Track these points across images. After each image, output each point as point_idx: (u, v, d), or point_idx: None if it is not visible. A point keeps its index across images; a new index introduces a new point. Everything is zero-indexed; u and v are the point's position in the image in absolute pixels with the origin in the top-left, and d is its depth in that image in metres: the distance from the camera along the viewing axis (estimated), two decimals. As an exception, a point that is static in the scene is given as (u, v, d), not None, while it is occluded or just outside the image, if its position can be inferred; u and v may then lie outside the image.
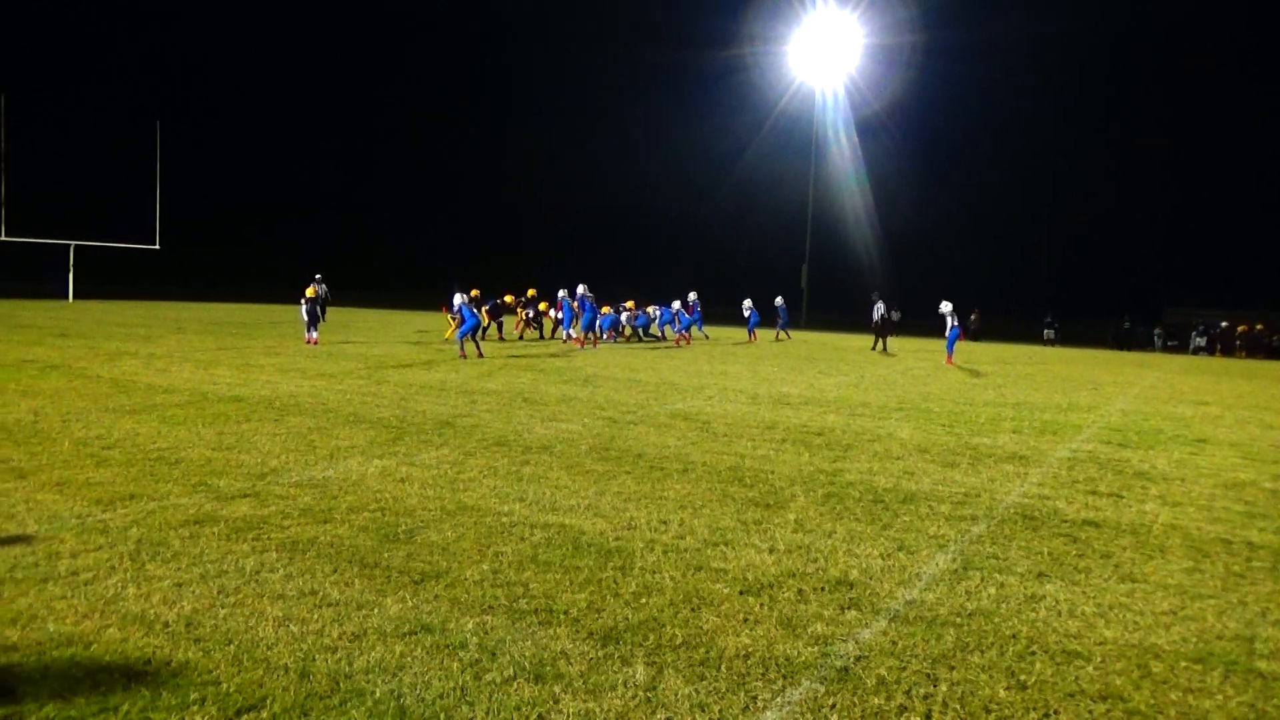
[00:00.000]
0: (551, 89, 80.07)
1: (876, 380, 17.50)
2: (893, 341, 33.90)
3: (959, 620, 4.54)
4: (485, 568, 5.06)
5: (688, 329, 28.99)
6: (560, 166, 75.32)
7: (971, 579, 5.18)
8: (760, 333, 34.12)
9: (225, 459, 7.69)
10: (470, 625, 4.23)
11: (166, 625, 4.09)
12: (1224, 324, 38.84)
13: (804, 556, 5.49)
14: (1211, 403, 15.52)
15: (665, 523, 6.13)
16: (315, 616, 4.24)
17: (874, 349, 29.07)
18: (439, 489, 6.85)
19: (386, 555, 5.21)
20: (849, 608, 4.67)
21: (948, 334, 23.12)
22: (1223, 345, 37.96)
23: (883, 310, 29.35)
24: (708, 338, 32.26)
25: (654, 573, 5.09)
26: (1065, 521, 6.55)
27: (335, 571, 4.90)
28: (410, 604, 4.44)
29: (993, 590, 5.01)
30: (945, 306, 23.22)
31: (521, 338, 27.75)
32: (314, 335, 21.83)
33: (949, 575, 5.23)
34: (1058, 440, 10.43)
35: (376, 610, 4.35)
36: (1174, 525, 6.57)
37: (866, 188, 63.00)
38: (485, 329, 25.64)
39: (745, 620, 4.44)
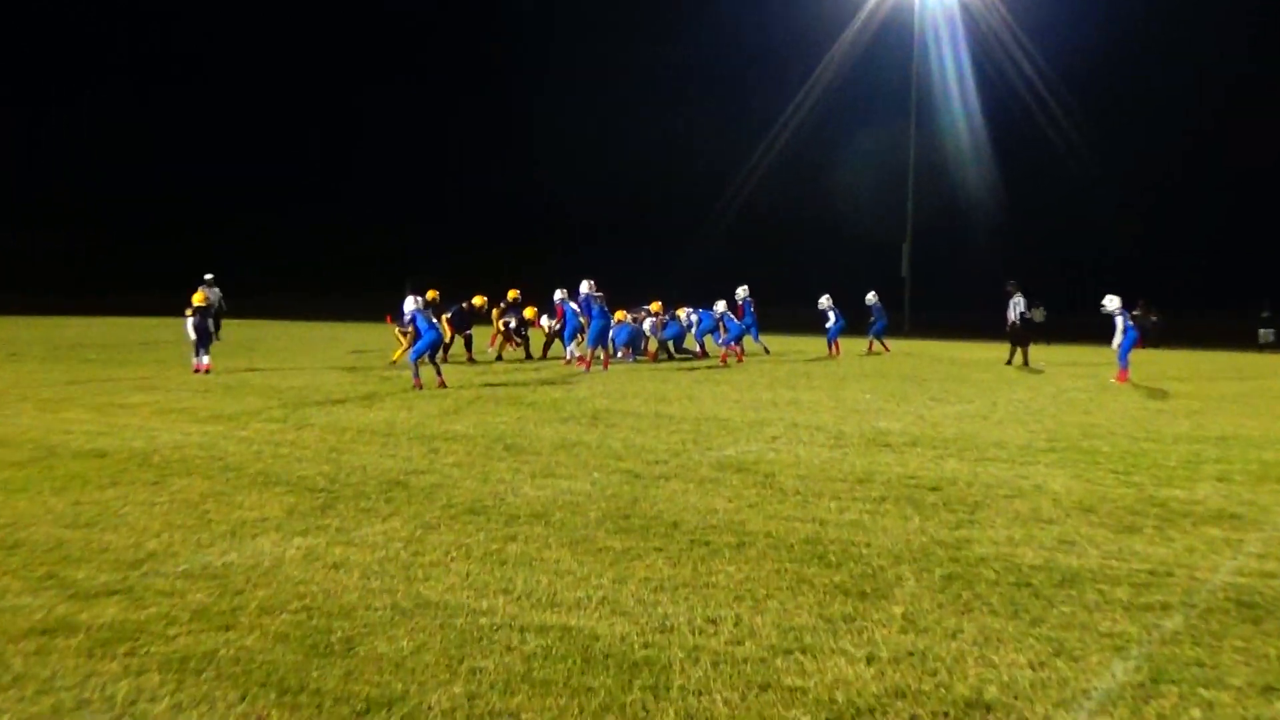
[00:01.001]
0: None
1: (1016, 408, 17.44)
2: (1037, 351, 33.80)
3: (1148, 757, 4.51)
4: (458, 691, 5.08)
5: (738, 340, 29.11)
6: (552, 118, 76.14)
7: (1166, 697, 5.14)
8: (844, 343, 34.09)
9: (84, 540, 7.77)
10: (438, 775, 4.24)
11: (5, 781, 4.13)
12: None
13: (918, 667, 5.47)
14: None
15: (714, 622, 6.13)
16: (216, 765, 4.27)
17: (1010, 362, 29.04)
18: (388, 579, 6.89)
19: (317, 675, 5.24)
20: (986, 741, 4.64)
21: (1119, 340, 23.00)
22: None
23: (1022, 308, 29.36)
24: (768, 351, 32.34)
25: (700, 694, 5.09)
26: (1300, 609, 6.49)
27: (244, 699, 4.93)
28: (352, 745, 4.46)
29: (1197, 714, 4.97)
30: (1111, 302, 23.13)
31: (500, 357, 27.97)
32: (205, 360, 22.11)
33: (1132, 691, 5.19)
34: (1284, 491, 10.35)
35: (303, 755, 4.37)
36: None
37: (985, 137, 63.12)
38: (449, 346, 25.83)
39: (835, 762, 4.42)
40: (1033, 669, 5.47)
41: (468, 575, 7.00)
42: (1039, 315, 46.25)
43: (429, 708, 4.89)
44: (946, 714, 4.91)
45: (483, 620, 6.10)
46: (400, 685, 5.14)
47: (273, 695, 4.99)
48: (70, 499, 9.23)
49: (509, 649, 5.66)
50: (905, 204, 57.10)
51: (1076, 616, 6.30)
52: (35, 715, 4.74)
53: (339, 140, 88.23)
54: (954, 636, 5.93)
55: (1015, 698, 5.10)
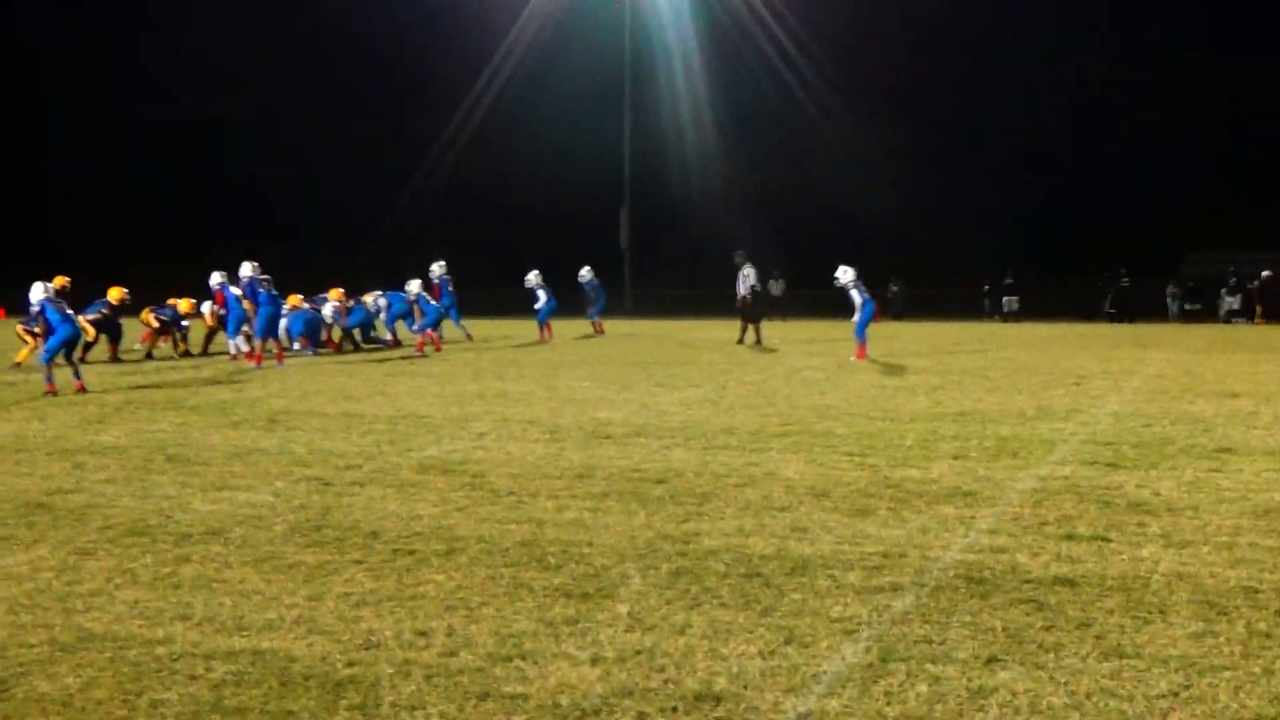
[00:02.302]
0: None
1: (747, 391, 18.47)
2: (772, 328, 35.45)
3: (876, 734, 5.17)
4: (138, 726, 5.26)
5: (435, 325, 29.30)
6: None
7: (894, 675, 5.83)
8: (556, 325, 34.82)
9: None
10: (125, 813, 4.46)
11: None
12: (1266, 273, 42.77)
13: (645, 665, 5.99)
14: (1244, 394, 17.38)
15: (425, 634, 6.49)
16: None
17: (741, 341, 30.33)
18: (41, 612, 6.93)
19: (-33, 722, 5.31)
20: (716, 732, 5.19)
21: (857, 315, 24.54)
22: (1265, 305, 41.80)
23: (753, 281, 30.64)
24: (471, 338, 32.74)
25: (414, 709, 5.45)
26: (1028, 582, 7.38)
27: (-118, 755, 4.97)
28: (20, 792, 4.61)
29: (924, 688, 5.67)
30: (845, 274, 24.62)
31: (151, 355, 27.27)
32: None
33: (861, 672, 5.86)
34: (1020, 465, 11.52)
35: (-36, 806, 4.50)
36: (1180, 574, 7.54)
37: (709, 89, 65.14)
38: (90, 344, 25.06)
39: (561, 764, 4.88)
40: (763, 658, 6.08)
41: (136, 603, 7.11)
42: (778, 289, 48.41)
43: (106, 746, 5.06)
44: (675, 709, 5.44)
45: (160, 650, 6.26)
46: (69, 725, 5.28)
47: (-83, 747, 5.06)
48: None
49: (193, 678, 5.85)
50: (621, 165, 58.36)
51: (807, 603, 6.99)
52: None
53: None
54: (682, 632, 6.49)
55: (745, 687, 5.69)
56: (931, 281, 53.33)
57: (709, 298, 50.58)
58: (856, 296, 24.33)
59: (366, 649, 6.26)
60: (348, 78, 77.28)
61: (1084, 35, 66.72)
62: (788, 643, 6.31)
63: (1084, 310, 46.72)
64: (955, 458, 11.97)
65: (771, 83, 65.18)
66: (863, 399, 17.23)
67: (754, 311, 30.82)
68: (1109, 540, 8.41)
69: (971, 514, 9.34)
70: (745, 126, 67.30)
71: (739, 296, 30.68)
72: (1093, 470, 11.18)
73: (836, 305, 27.19)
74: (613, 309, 42.63)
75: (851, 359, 24.27)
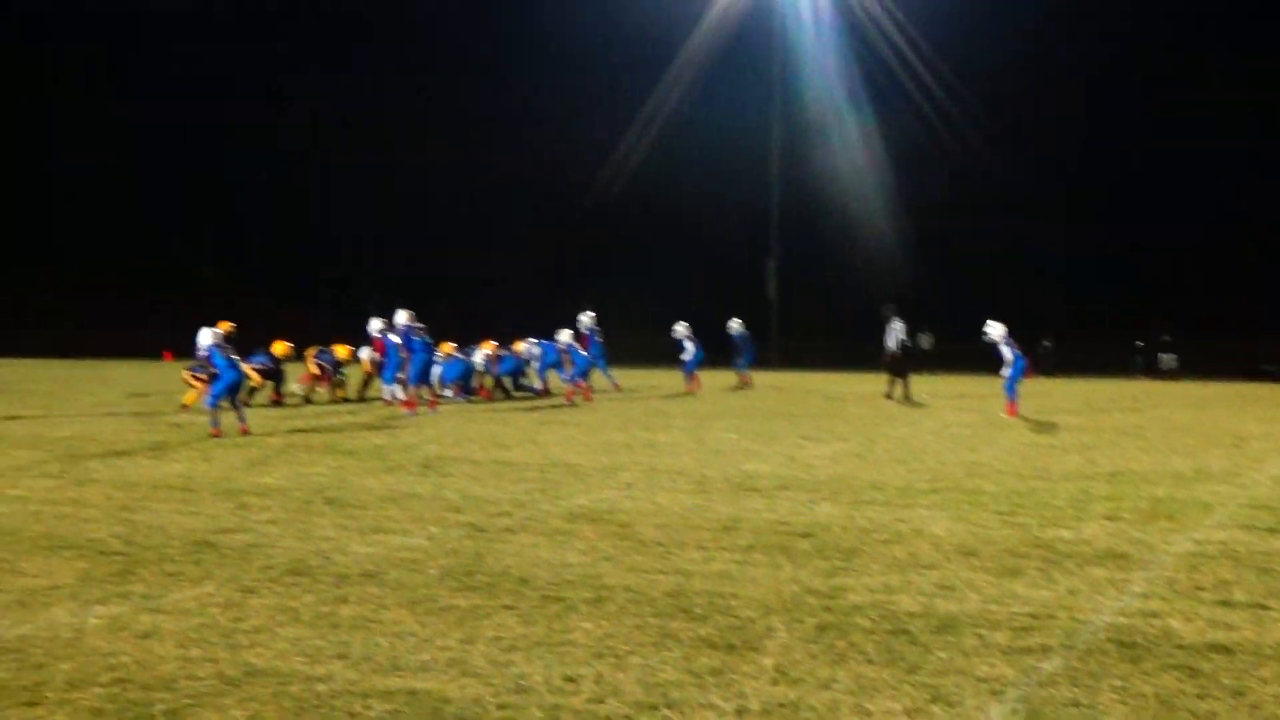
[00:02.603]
0: None
1: (895, 446, 18.37)
2: (921, 383, 35.16)
3: (1021, 795, 5.16)
4: (300, 760, 5.47)
5: (585, 375, 29.65)
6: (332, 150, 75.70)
7: (1040, 737, 5.81)
8: (705, 376, 34.96)
9: None
10: (289, 843, 4.65)
11: None
12: None
13: (790, 718, 6.04)
14: None
15: (573, 680, 6.61)
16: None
17: (890, 395, 30.16)
18: (209, 647, 7.21)
19: (141, 750, 5.57)
20: (860, 786, 5.23)
21: (1007, 370, 24.27)
22: None
23: (901, 335, 30.48)
24: (619, 387, 32.98)
25: (563, 753, 5.57)
26: (1181, 648, 7.27)
27: (63, 778, 5.24)
28: (191, 818, 4.84)
29: (1071, 751, 5.64)
30: (994, 329, 24.38)
31: (309, 400, 28.03)
32: (-46, 408, 21.74)
33: (1007, 733, 5.85)
34: (1175, 528, 11.31)
35: (139, 830, 4.74)
36: (1339, 645, 7.36)
37: (871, 133, 64.91)
38: (255, 390, 25.88)
39: (706, 813, 4.96)
40: (908, 716, 6.09)
41: (297, 640, 7.36)
42: (926, 342, 48.04)
43: (270, 778, 5.28)
44: (820, 762, 5.50)
45: (320, 687, 6.48)
46: (236, 757, 5.52)
47: (95, 772, 5.32)
48: None
49: (352, 715, 6.06)
50: (770, 217, 58.46)
51: (954, 662, 6.98)
52: None
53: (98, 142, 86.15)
54: (827, 686, 6.53)
55: (890, 744, 5.72)
56: (1083, 337, 52.33)
57: (857, 351, 50.36)
58: (1007, 352, 24.08)
59: (517, 693, 6.41)
60: (496, 129, 78.53)
61: (1245, 83, 65.02)
62: (934, 701, 6.31)
63: (1245, 369, 45.48)
64: (1108, 519, 11.80)
65: (922, 132, 64.68)
66: (1013, 456, 17.05)
67: (902, 365, 30.63)
68: (1267, 608, 8.24)
69: (1124, 577, 9.21)
70: (897, 176, 66.81)
71: (887, 350, 30.55)
72: (1251, 535, 10.94)
73: (987, 361, 26.91)
74: (760, 361, 42.64)
75: (1002, 415, 23.99)
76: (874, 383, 34.58)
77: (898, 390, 30.25)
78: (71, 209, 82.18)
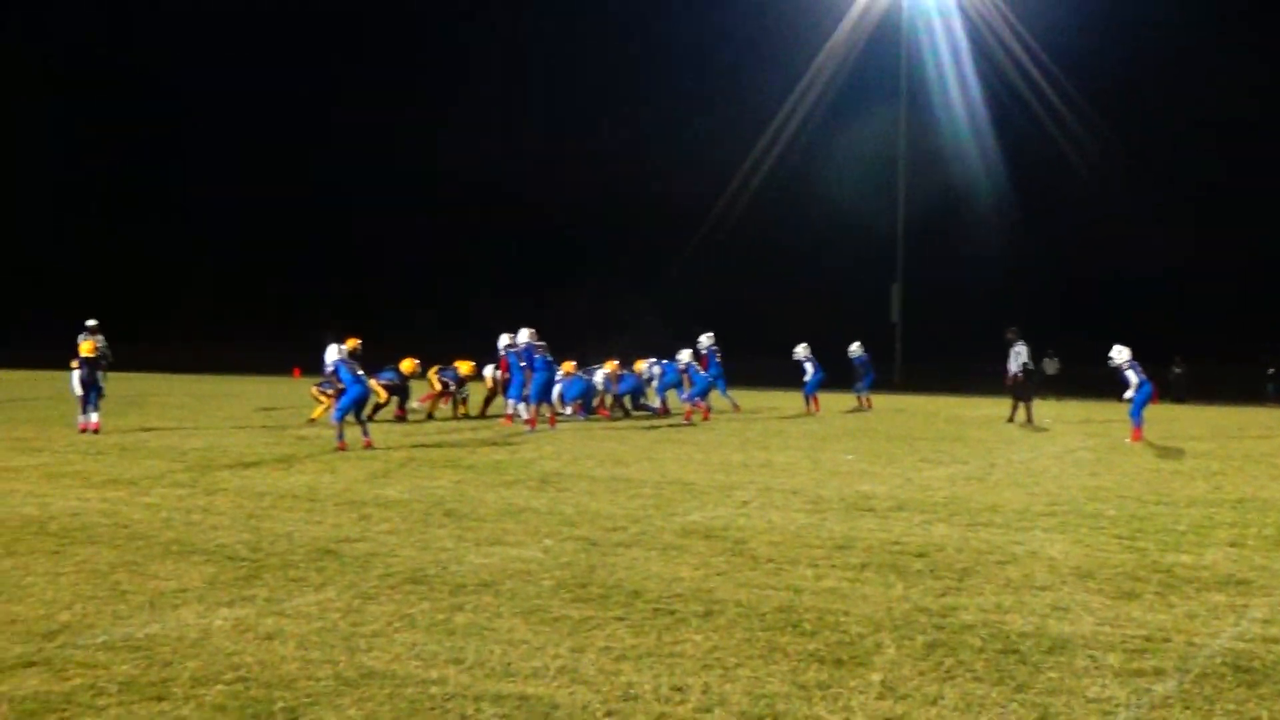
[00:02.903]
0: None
1: (1015, 470, 18.18)
2: (1044, 407, 34.68)
3: (1126, 814, 5.13)
4: (413, 758, 5.62)
5: (703, 394, 29.70)
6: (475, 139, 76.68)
7: (1149, 758, 5.77)
8: (824, 398, 34.83)
9: (-12, 611, 8.26)
10: (399, 835, 4.79)
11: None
12: None
13: (895, 732, 6.06)
14: None
15: (681, 690, 6.70)
16: (168, 829, 4.81)
17: (1012, 419, 29.81)
18: (328, 649, 7.42)
19: (261, 744, 5.77)
20: (962, 801, 5.24)
21: (1132, 394, 23.86)
22: None
23: (1024, 358, 30.09)
24: (738, 408, 32.98)
25: (668, 760, 5.66)
26: (1299, 674, 7.15)
27: (187, 768, 5.46)
28: (306, 810, 5.01)
29: (1180, 773, 5.59)
30: (1120, 353, 24.02)
31: (432, 416, 28.46)
32: (93, 418, 22.52)
33: (1115, 753, 5.81)
34: (1298, 555, 11.07)
35: (257, 819, 4.92)
36: None
37: (997, 154, 64.20)
38: (380, 405, 26.38)
39: (807, 821, 5.01)
40: (1015, 733, 6.09)
41: (414, 645, 7.54)
42: (1052, 367, 47.36)
43: (383, 774, 5.44)
44: (923, 776, 5.52)
45: (434, 690, 6.65)
46: (351, 753, 5.69)
47: (217, 764, 5.53)
48: (-36, 570, 9.71)
49: (464, 718, 6.21)
50: (897, 239, 58.16)
51: (1064, 682, 6.93)
52: (-32, 785, 5.25)
53: (227, 172, 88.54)
54: (934, 703, 6.54)
55: (995, 760, 5.72)
56: (1214, 363, 51.12)
57: (980, 375, 49.81)
58: (1133, 376, 23.67)
59: (625, 700, 6.52)
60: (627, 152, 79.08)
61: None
62: (1041, 720, 6.30)
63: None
64: (1231, 545, 11.58)
65: (1051, 154, 63.77)
66: (1136, 481, 16.77)
67: (1025, 389, 30.23)
68: (1391, 637, 8.06)
69: (1244, 602, 9.05)
70: (1023, 202, 65.97)
71: (1010, 374, 30.18)
72: (1379, 564, 10.68)
73: (1113, 386, 26.49)
74: (882, 384, 42.35)
75: (1127, 441, 23.59)
76: (996, 407, 34.20)
77: (1020, 414, 29.87)
78: (209, 229, 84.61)
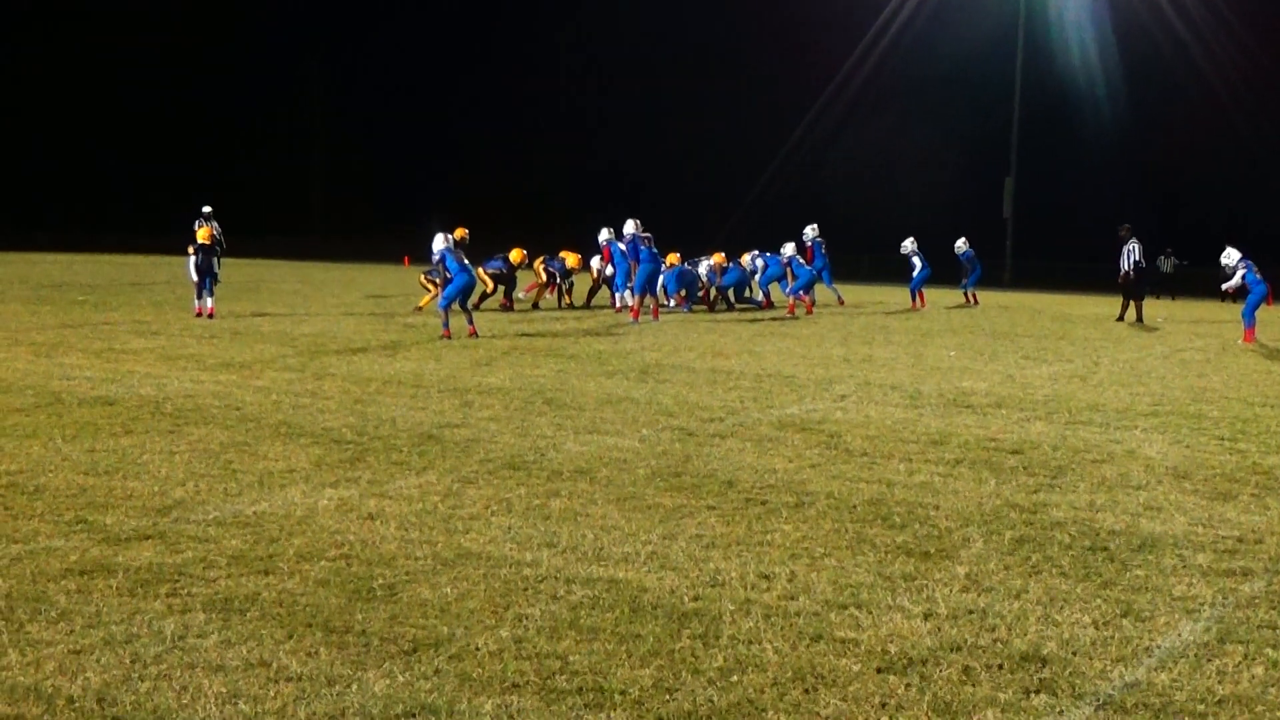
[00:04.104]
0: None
1: (1120, 369, 18.03)
2: (1155, 306, 34.15)
3: (1201, 709, 5.18)
4: (504, 635, 5.83)
5: (808, 288, 29.66)
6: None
7: (1229, 655, 5.80)
8: (929, 294, 34.61)
9: (107, 487, 8.62)
10: (489, 707, 4.99)
11: (72, 701, 4.93)
12: None
13: (976, 624, 6.16)
14: None
15: (768, 578, 6.85)
16: (272, 693, 5.05)
17: (1121, 318, 29.45)
18: (428, 530, 7.67)
19: (361, 617, 6.01)
20: (1038, 691, 5.33)
21: (1235, 284, 23.50)
22: None
23: (1136, 256, 29.60)
24: (842, 302, 33.00)
25: (750, 643, 5.81)
26: (1393, 578, 7.11)
27: (291, 638, 5.71)
28: (402, 679, 5.23)
29: (1259, 670, 5.62)
30: (1231, 256, 23.60)
31: (537, 305, 28.76)
32: (208, 303, 23.07)
33: (1195, 650, 5.86)
34: (1404, 460, 10.91)
35: (355, 686, 5.15)
36: None
37: (1102, 49, 62.54)
38: (488, 294, 26.69)
39: (883, 706, 5.13)
40: (1096, 628, 6.14)
41: (509, 529, 7.77)
42: (1168, 266, 46.49)
43: (476, 649, 5.64)
44: (1001, 666, 5.60)
45: (527, 571, 6.86)
46: (445, 629, 5.90)
47: (319, 634, 5.76)
48: (84, 446, 10.08)
49: (555, 598, 6.41)
50: (1010, 127, 57.06)
51: (1150, 580, 6.97)
52: (86, 647, 5.54)
53: (342, 67, 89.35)
54: (1018, 596, 6.62)
55: (1074, 654, 5.78)
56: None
57: (1092, 272, 49.05)
58: (1246, 278, 23.24)
59: (712, 586, 6.67)
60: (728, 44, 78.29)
61: None
62: (1124, 615, 6.34)
63: None
64: (1334, 448, 11.45)
65: (1171, 47, 62.01)
66: (1243, 383, 16.54)
67: (1136, 288, 29.78)
68: None
69: (1341, 506, 8.98)
70: (1141, 94, 64.34)
71: (1121, 271, 29.72)
72: None
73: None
74: (990, 280, 41.97)
75: (1239, 342, 23.20)
76: (1106, 305, 33.76)
77: (1130, 313, 29.46)
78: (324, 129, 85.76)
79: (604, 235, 28.79)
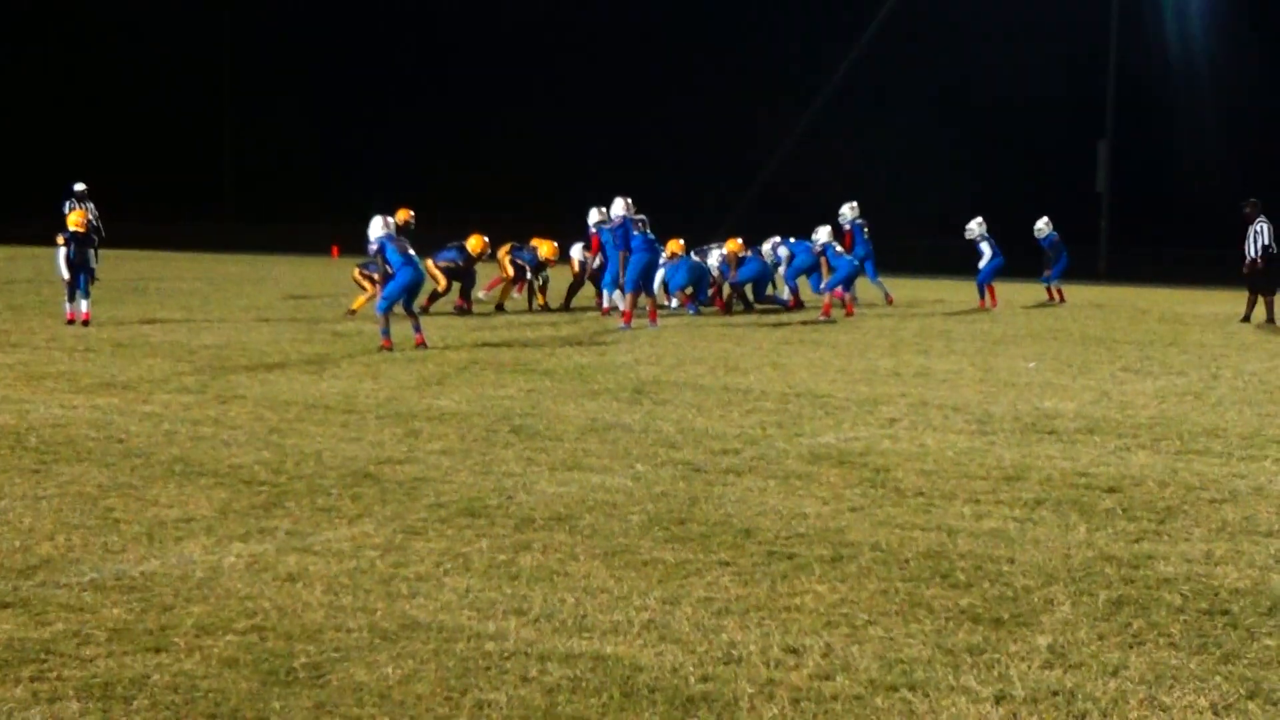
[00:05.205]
0: None
1: (1246, 383, 18.03)
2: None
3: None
4: (460, 728, 5.81)
5: (848, 283, 29.45)
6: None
7: (1383, 748, 5.79)
8: (1002, 289, 34.53)
9: (-48, 543, 8.58)
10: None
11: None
12: None
13: (1063, 710, 6.13)
14: None
15: (796, 652, 6.82)
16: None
17: (1247, 318, 29.29)
18: (363, 595, 7.64)
19: (279, 707, 5.98)
20: (1141, 795, 5.32)
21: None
22: None
23: (1266, 240, 29.44)
24: (890, 300, 32.85)
25: (775, 738, 5.80)
26: None
27: (188, 734, 5.70)
28: (329, 787, 5.22)
29: None
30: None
31: (501, 306, 28.65)
32: (82, 307, 22.96)
33: (1340, 741, 5.85)
34: None
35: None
36: None
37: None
38: (439, 293, 26.53)
39: (944, 815, 5.13)
40: (1215, 713, 6.12)
41: (467, 592, 7.73)
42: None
43: (425, 746, 5.63)
44: (1093, 764, 5.60)
45: (490, 646, 6.82)
46: (386, 720, 5.89)
47: (224, 730, 5.75)
48: (-75, 491, 10.07)
49: (525, 680, 6.37)
50: (1104, 87, 56.89)
51: (1283, 653, 6.95)
52: (-72, 747, 5.53)
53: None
54: (1115, 673, 6.59)
55: (1187, 747, 5.78)
56: None
57: (1210, 260, 48.96)
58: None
59: (726, 664, 6.64)
60: None
61: None
62: (1250, 697, 6.31)
63: None
64: None
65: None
66: (1400, 401, 16.56)
67: (1265, 280, 29.64)
68: None
69: None
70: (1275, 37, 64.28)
71: (1247, 259, 29.56)
72: None
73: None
74: (1080, 271, 41.87)
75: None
76: (1228, 302, 33.70)
77: (1259, 311, 29.36)
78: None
79: (593, 217, 28.56)
